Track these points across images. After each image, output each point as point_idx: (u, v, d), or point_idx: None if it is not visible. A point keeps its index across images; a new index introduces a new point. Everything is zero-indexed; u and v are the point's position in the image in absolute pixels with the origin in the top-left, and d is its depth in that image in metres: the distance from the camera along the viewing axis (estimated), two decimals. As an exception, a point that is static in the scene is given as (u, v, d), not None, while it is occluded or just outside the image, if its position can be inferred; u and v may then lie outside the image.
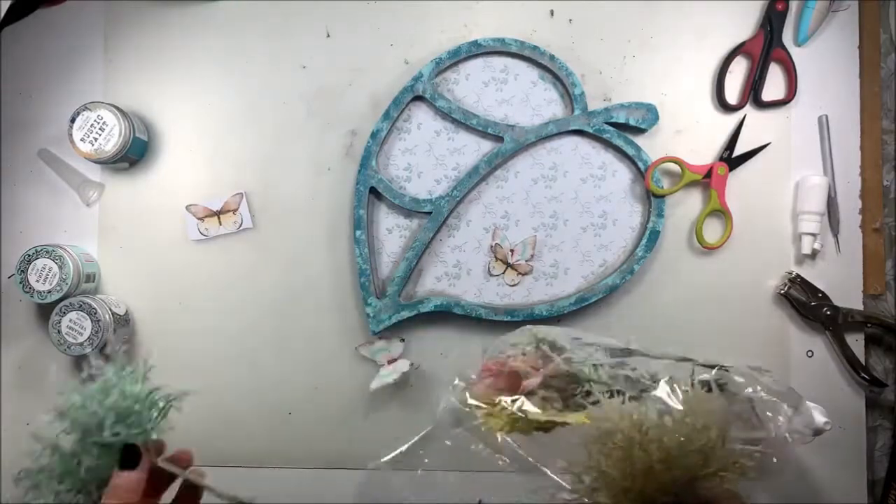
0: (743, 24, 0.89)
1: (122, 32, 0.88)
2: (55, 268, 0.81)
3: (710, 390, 0.71)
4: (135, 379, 0.57)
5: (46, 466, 0.55)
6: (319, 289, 0.87)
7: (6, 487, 0.87)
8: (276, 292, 0.87)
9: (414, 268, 0.86)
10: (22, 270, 0.81)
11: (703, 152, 0.88)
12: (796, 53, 0.88)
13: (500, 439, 0.69)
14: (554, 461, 0.66)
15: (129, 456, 0.56)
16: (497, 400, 0.69)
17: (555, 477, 0.64)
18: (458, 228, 0.87)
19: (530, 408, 0.68)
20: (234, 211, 0.87)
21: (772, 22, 0.87)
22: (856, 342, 0.87)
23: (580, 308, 0.85)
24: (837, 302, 0.87)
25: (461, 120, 0.86)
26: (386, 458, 0.75)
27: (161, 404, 0.58)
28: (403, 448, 0.75)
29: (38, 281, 0.81)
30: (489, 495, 0.87)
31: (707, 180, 0.86)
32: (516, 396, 0.69)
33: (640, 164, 0.86)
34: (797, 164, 0.88)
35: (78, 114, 0.82)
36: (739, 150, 0.87)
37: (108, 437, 0.55)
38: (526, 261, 0.87)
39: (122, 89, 0.88)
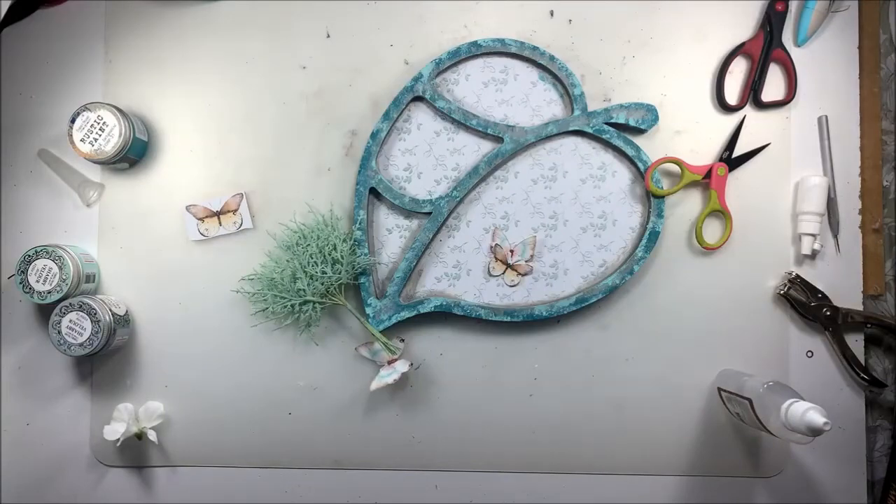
0: (743, 24, 0.89)
1: (122, 33, 0.88)
2: (55, 268, 0.81)
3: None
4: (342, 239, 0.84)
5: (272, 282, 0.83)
6: (319, 289, 0.88)
7: (6, 487, 0.87)
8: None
9: (414, 268, 0.86)
10: (22, 271, 0.81)
11: (702, 153, 0.88)
12: (796, 54, 0.88)
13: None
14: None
15: None
16: None
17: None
18: (458, 229, 0.87)
19: None
20: (234, 211, 0.87)
21: (771, 22, 0.87)
22: (855, 342, 0.87)
23: (580, 308, 0.85)
24: (837, 302, 0.87)
25: (461, 120, 0.86)
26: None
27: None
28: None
29: (38, 281, 0.81)
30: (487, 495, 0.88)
31: (707, 181, 0.86)
32: None
33: (640, 165, 0.86)
34: (797, 164, 0.88)
35: (78, 114, 0.82)
36: (739, 150, 0.87)
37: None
38: (526, 261, 0.87)
39: (122, 90, 0.88)
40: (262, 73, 0.88)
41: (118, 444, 0.85)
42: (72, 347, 0.81)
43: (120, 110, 0.83)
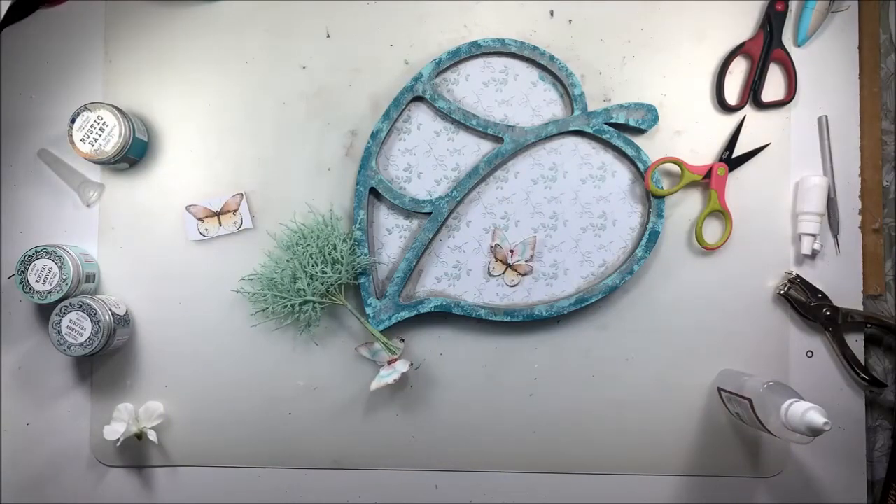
0: (743, 24, 0.89)
1: (122, 33, 0.88)
2: (55, 268, 0.81)
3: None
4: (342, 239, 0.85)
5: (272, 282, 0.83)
6: (319, 289, 0.88)
7: (6, 487, 0.87)
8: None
9: (414, 268, 0.86)
10: (22, 271, 0.81)
11: (702, 153, 0.88)
12: (796, 54, 0.88)
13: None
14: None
15: None
16: None
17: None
18: (458, 229, 0.87)
19: None
20: (234, 211, 0.87)
21: (771, 22, 0.87)
22: (855, 342, 0.87)
23: (580, 308, 0.85)
24: (837, 302, 0.87)
25: (461, 120, 0.86)
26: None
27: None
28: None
29: (38, 281, 0.81)
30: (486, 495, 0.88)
31: (707, 181, 0.86)
32: None
33: (640, 165, 0.86)
34: (797, 164, 0.88)
35: (78, 114, 0.82)
36: (739, 150, 0.87)
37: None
38: (526, 261, 0.87)
39: (122, 89, 0.88)
40: (262, 73, 0.88)
41: (118, 444, 0.85)
42: (72, 347, 0.81)
43: (120, 110, 0.83)
